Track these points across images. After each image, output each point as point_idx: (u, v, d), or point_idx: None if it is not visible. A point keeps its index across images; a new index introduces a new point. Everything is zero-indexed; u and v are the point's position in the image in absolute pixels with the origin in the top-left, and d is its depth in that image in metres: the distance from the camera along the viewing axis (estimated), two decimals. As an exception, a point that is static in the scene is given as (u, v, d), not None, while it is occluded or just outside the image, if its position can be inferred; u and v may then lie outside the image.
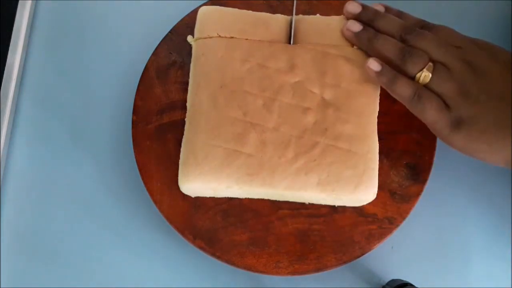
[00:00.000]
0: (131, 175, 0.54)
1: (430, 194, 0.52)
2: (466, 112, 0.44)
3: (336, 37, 0.49)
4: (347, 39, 0.49)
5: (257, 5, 0.56)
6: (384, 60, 0.47)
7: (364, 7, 0.49)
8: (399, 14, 0.49)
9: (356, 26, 0.48)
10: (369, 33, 0.48)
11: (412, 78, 0.46)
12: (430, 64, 0.45)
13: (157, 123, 0.53)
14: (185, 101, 0.50)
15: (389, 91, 0.47)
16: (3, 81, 0.56)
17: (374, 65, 0.46)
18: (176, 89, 0.54)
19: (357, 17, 0.49)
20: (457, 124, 0.44)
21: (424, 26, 0.48)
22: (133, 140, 0.52)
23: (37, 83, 0.59)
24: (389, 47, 0.46)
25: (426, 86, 0.45)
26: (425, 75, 0.45)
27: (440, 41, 0.46)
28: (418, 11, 0.51)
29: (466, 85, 0.44)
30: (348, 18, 0.49)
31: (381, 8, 0.49)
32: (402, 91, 0.46)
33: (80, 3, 0.61)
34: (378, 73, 0.46)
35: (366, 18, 0.48)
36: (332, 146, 0.47)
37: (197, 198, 0.51)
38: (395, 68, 0.46)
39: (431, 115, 0.45)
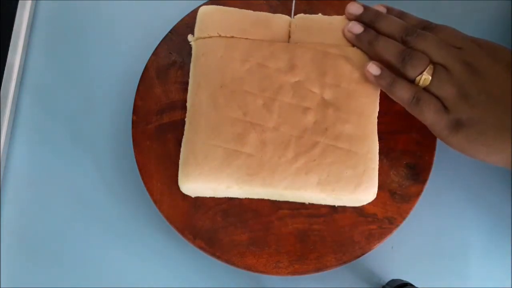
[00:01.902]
0: (131, 175, 0.54)
1: (430, 194, 0.52)
2: (464, 114, 0.44)
3: (337, 37, 0.49)
4: (348, 40, 0.49)
5: (257, 5, 0.56)
6: (385, 62, 0.47)
7: (365, 8, 0.49)
8: (401, 15, 0.49)
9: (357, 28, 0.48)
10: (370, 35, 0.48)
11: (412, 80, 0.46)
12: (430, 66, 0.45)
13: (157, 123, 0.53)
14: (185, 101, 0.50)
15: (388, 94, 0.47)
16: (3, 81, 0.56)
17: (373, 69, 0.47)
18: (176, 89, 0.54)
19: (358, 18, 0.49)
20: (456, 126, 0.44)
21: (426, 26, 0.48)
22: (133, 140, 0.52)
23: (37, 83, 0.59)
24: (390, 49, 0.46)
25: (426, 89, 0.45)
26: (424, 78, 0.45)
27: (440, 43, 0.46)
28: (418, 11, 0.51)
29: (465, 87, 0.44)
30: (349, 19, 0.49)
31: (382, 9, 0.49)
32: (401, 95, 0.46)
33: (80, 3, 0.61)
34: (377, 77, 0.47)
35: (368, 19, 0.48)
36: (332, 146, 0.47)
37: (197, 198, 0.51)
38: (396, 70, 0.46)
39: (429, 117, 0.45)
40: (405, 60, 0.45)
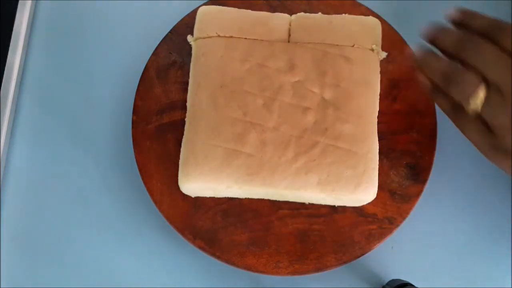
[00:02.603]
0: (131, 175, 0.54)
1: (430, 194, 0.52)
2: None
3: (337, 36, 0.49)
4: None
5: (257, 5, 0.56)
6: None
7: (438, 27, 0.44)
8: (471, 16, 0.43)
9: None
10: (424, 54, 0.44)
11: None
12: (482, 87, 0.40)
13: (157, 123, 0.53)
14: (185, 101, 0.50)
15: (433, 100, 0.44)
16: (3, 81, 0.56)
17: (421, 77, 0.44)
18: (176, 89, 0.54)
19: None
20: (504, 151, 0.41)
21: (495, 27, 0.41)
22: (133, 140, 0.52)
23: (37, 83, 0.59)
24: (434, 68, 0.43)
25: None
26: (472, 104, 0.40)
27: (501, 58, 0.39)
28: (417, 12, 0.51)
29: None
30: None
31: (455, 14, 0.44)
32: (441, 105, 0.44)
33: (80, 3, 0.61)
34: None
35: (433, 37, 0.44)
36: (332, 146, 0.47)
37: (197, 198, 0.51)
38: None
39: (472, 137, 0.42)
40: (450, 85, 0.41)
